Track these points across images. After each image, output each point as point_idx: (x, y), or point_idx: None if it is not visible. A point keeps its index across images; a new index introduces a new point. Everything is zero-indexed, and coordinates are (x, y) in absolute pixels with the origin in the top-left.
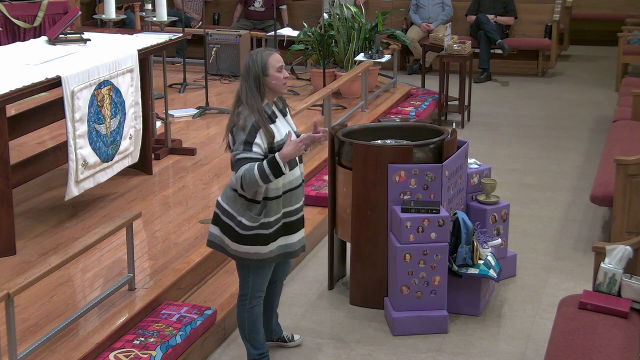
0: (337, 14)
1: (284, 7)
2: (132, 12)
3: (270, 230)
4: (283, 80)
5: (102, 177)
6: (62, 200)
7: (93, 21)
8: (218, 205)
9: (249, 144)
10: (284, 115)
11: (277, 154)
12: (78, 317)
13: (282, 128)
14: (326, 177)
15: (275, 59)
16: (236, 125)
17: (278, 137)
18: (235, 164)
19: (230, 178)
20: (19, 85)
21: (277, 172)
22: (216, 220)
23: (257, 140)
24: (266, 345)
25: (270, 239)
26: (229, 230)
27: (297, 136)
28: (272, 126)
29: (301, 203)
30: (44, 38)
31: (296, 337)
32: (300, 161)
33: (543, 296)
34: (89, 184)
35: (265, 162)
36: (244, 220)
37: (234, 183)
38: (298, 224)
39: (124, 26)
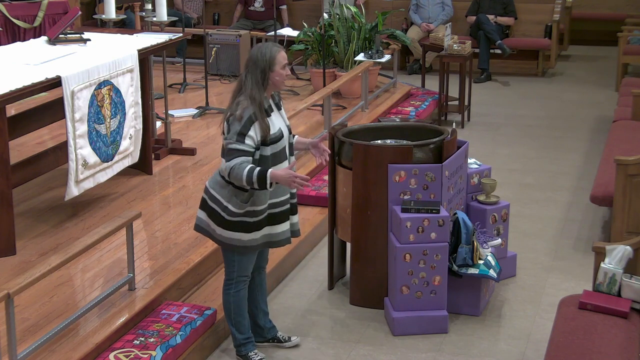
0: (337, 14)
1: (284, 7)
2: (132, 12)
3: (255, 218)
4: (285, 78)
5: (102, 177)
6: (62, 200)
7: (93, 21)
8: (206, 190)
9: (242, 135)
10: (279, 109)
11: (269, 171)
12: (78, 317)
13: (276, 122)
14: (326, 177)
15: (283, 56)
16: (233, 114)
17: (272, 130)
18: (227, 153)
19: (220, 164)
20: (19, 85)
21: (262, 186)
22: (203, 205)
23: (251, 132)
24: (250, 331)
25: (254, 227)
26: (215, 215)
27: (289, 130)
28: (267, 120)
29: (287, 196)
30: (44, 38)
31: (293, 338)
32: (291, 154)
33: (543, 296)
34: (89, 184)
35: (256, 171)
36: (230, 206)
37: (222, 169)
38: (283, 216)
39: (124, 26)
